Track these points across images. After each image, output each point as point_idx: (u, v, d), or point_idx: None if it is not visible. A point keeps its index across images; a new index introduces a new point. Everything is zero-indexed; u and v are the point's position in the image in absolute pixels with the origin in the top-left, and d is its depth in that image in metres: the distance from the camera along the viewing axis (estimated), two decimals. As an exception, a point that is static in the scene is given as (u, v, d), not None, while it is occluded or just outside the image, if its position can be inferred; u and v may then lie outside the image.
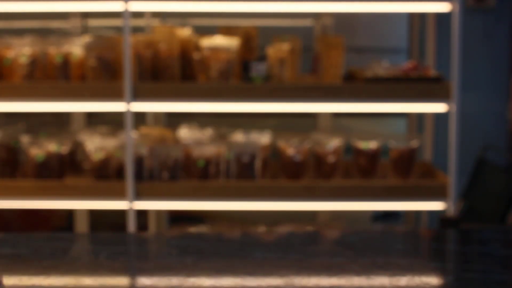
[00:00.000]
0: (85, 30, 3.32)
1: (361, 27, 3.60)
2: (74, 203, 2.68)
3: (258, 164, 2.64)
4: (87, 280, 1.30)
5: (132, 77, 2.57)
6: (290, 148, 2.66)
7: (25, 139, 2.67)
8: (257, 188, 2.61)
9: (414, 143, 2.68)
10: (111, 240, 1.58)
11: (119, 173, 2.65)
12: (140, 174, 2.63)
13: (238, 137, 2.71)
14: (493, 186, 2.66)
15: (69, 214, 3.29)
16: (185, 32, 2.76)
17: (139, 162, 2.63)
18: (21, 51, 2.62)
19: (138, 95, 2.57)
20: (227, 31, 2.80)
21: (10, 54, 2.63)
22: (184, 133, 2.71)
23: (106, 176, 2.64)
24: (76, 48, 2.67)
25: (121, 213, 2.68)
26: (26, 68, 2.62)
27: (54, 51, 2.64)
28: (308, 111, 2.76)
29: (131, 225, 2.61)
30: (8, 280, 1.30)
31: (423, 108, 2.65)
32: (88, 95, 2.58)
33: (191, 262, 1.35)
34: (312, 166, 2.70)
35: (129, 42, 2.55)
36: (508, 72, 3.43)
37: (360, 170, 2.69)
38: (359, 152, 2.69)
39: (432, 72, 2.73)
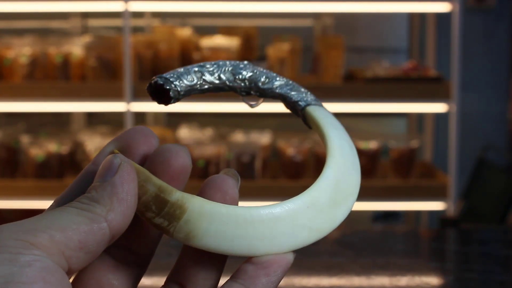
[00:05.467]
0: (85, 30, 3.32)
1: (361, 27, 3.59)
2: (74, 203, 2.67)
3: (258, 164, 2.64)
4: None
5: (132, 77, 2.57)
6: (290, 148, 2.66)
7: (25, 139, 2.67)
8: (257, 188, 2.61)
9: (414, 143, 2.68)
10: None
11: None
12: (140, 174, 2.62)
13: (238, 137, 2.71)
14: (493, 186, 2.66)
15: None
16: (185, 32, 2.76)
17: (139, 162, 2.62)
18: (21, 51, 2.62)
19: (138, 95, 2.57)
20: (227, 31, 2.80)
21: (10, 54, 2.63)
22: (184, 133, 2.71)
23: (106, 176, 2.64)
24: (76, 48, 2.67)
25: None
26: (26, 68, 2.62)
27: (54, 51, 2.64)
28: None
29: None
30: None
31: (423, 108, 2.65)
32: (88, 95, 2.58)
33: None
34: (312, 166, 2.70)
35: (129, 42, 2.55)
36: (508, 72, 3.43)
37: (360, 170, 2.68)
38: (359, 152, 2.65)
39: (432, 72, 2.73)
